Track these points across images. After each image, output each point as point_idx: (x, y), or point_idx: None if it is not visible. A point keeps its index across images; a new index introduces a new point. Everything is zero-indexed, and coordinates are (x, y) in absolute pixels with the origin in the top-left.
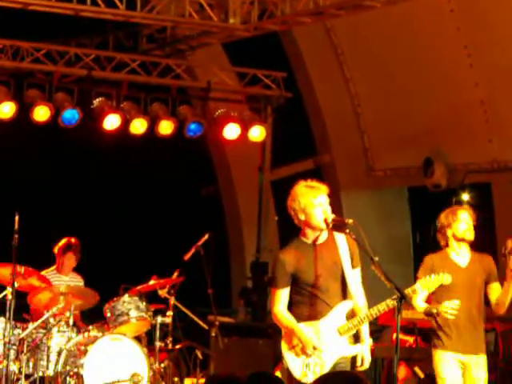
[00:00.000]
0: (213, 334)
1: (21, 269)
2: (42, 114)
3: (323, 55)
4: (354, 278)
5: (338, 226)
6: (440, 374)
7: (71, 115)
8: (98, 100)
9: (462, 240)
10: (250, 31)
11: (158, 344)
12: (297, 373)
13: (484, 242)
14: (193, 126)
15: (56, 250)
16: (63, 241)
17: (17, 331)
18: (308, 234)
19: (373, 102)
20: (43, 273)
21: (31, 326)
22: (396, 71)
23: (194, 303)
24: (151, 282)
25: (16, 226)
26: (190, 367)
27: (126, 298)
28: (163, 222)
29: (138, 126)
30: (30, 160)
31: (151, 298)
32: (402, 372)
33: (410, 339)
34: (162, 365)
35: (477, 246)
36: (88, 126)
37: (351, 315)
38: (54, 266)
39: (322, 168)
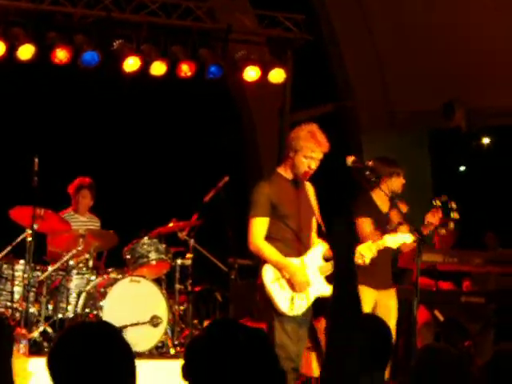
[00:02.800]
0: (232, 277)
1: (40, 211)
2: (61, 55)
3: None
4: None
5: (358, 167)
6: None
7: (91, 57)
8: (117, 42)
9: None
10: None
11: (177, 286)
12: (284, 306)
13: (505, 186)
14: (213, 69)
15: (70, 189)
16: (77, 180)
17: (36, 273)
18: (289, 171)
19: (394, 45)
20: (60, 214)
21: (50, 268)
22: (418, 14)
23: (213, 246)
24: (170, 225)
25: (36, 168)
26: (209, 309)
27: (145, 240)
28: (183, 164)
29: (158, 69)
30: (49, 102)
31: (171, 240)
32: (421, 315)
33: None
34: (182, 307)
35: (497, 190)
36: (108, 68)
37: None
38: (71, 208)
39: (342, 111)
